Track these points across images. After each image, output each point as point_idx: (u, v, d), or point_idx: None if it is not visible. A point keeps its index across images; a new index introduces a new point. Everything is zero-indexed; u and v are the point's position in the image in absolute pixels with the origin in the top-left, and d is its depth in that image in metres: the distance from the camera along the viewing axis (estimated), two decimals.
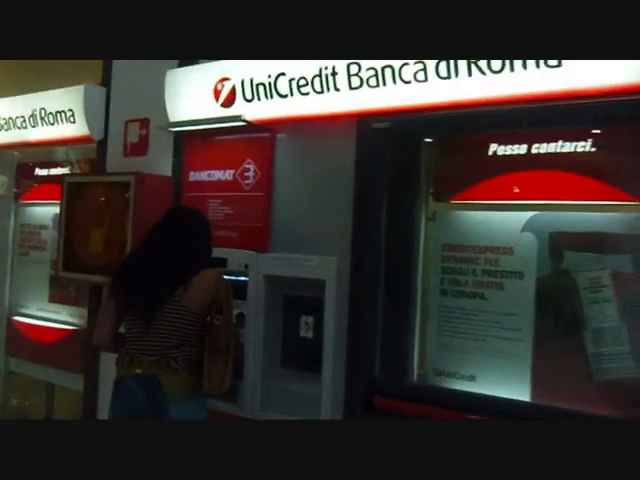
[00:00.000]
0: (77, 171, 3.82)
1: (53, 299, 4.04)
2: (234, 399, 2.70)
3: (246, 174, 2.74)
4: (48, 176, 4.08)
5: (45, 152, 4.10)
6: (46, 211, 4.04)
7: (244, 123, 2.59)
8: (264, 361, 2.65)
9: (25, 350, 4.09)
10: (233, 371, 2.29)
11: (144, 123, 3.09)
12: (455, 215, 2.32)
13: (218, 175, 2.84)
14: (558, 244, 2.04)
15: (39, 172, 4.19)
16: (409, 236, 2.37)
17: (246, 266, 2.66)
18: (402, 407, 2.23)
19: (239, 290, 2.64)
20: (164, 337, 2.22)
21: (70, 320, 3.89)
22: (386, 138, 2.31)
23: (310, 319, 2.60)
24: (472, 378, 2.24)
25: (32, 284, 4.18)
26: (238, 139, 2.77)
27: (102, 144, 3.33)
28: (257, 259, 2.64)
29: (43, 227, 4.14)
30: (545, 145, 2.02)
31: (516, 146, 2.08)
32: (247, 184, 2.74)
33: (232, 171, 2.79)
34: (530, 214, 2.10)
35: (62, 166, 4.03)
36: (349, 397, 2.38)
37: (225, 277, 2.45)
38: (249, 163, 2.73)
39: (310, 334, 2.61)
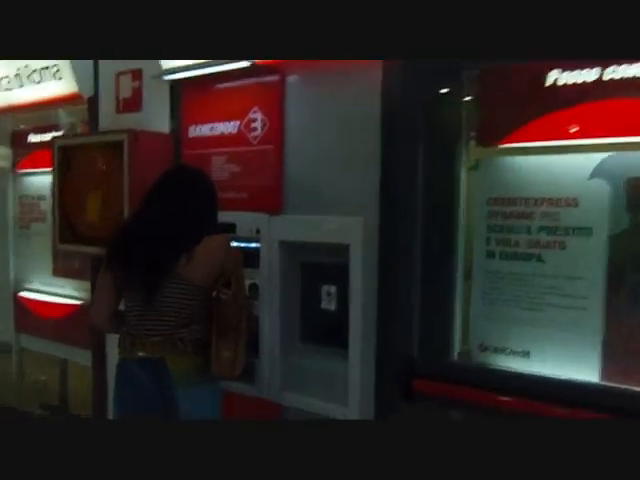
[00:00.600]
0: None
1: (57, 273, 3.79)
2: (250, 379, 2.41)
3: (253, 125, 2.37)
4: (42, 142, 3.72)
5: (40, 116, 3.78)
6: (44, 180, 3.69)
7: (249, 64, 2.20)
8: (282, 336, 2.34)
9: (33, 326, 3.90)
10: (246, 350, 1.99)
11: (136, 74, 2.73)
12: (503, 162, 1.93)
13: (221, 128, 2.48)
14: (638, 193, 1.66)
15: (32, 139, 3.88)
16: (448, 190, 2.00)
17: (257, 231, 2.33)
18: (443, 390, 1.91)
19: (251, 258, 2.32)
20: (168, 315, 1.92)
21: (76, 294, 3.66)
22: (418, 74, 1.93)
23: (332, 289, 2.27)
24: (525, 354, 1.89)
25: (35, 258, 3.94)
26: (242, 85, 2.40)
27: (93, 102, 2.98)
28: (269, 223, 2.30)
29: (41, 197, 3.85)
30: (622, 68, 1.62)
31: (583, 71, 1.68)
32: (254, 137, 2.38)
33: (237, 123, 2.42)
34: (601, 156, 1.71)
35: (57, 130, 3.70)
36: (380, 377, 2.06)
37: (234, 244, 2.13)
38: (255, 112, 2.36)
39: (333, 306, 2.28)
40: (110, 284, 1.99)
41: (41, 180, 3.78)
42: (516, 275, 1.90)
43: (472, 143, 1.97)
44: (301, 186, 2.28)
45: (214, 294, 1.94)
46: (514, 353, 1.92)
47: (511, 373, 1.89)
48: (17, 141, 4.03)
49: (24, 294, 4.00)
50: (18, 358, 4.17)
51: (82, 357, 3.42)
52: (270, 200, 2.33)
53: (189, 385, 1.91)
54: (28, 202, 4.00)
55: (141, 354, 1.93)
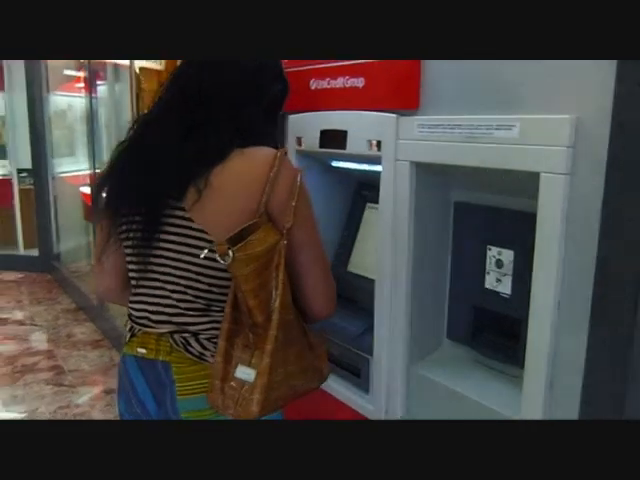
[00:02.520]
0: None
1: None
2: (363, 385, 1.51)
3: None
4: None
5: None
6: None
7: None
8: (415, 327, 1.37)
9: None
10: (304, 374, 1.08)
11: None
12: None
13: None
14: None
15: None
16: None
17: (378, 145, 1.34)
18: None
19: (370, 191, 1.36)
20: (177, 291, 1.08)
21: None
22: None
23: (507, 255, 1.23)
24: None
25: None
26: None
27: None
28: (398, 127, 1.29)
29: None
30: None
31: None
32: None
33: None
34: None
35: None
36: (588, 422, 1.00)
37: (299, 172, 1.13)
38: None
39: (505, 286, 1.24)
40: (110, 244, 1.15)
41: None
42: None
43: None
44: (454, 67, 1.20)
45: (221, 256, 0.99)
46: None
47: None
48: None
49: None
50: None
51: None
52: (399, 89, 1.30)
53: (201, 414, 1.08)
54: None
55: (141, 351, 1.13)
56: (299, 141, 1.60)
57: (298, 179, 1.05)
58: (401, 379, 1.38)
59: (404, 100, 1.28)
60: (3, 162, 5.76)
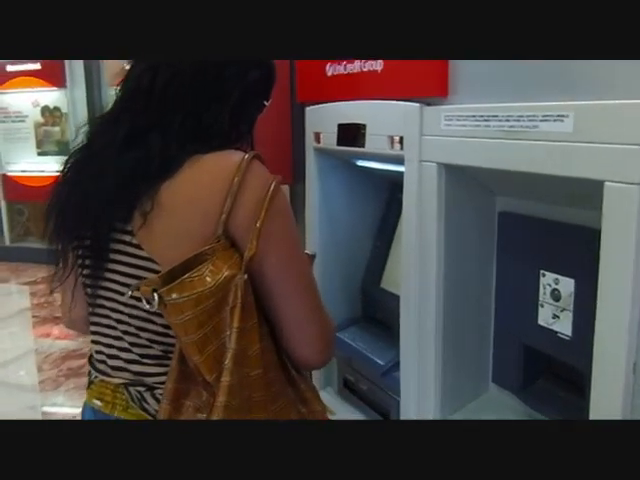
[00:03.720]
0: None
1: None
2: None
3: None
4: None
5: None
6: None
7: None
8: (450, 365, 1.10)
9: None
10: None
11: None
12: None
13: None
14: None
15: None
16: None
17: (400, 142, 1.07)
18: None
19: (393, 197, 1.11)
20: (129, 333, 0.86)
21: None
22: None
23: (566, 284, 0.94)
24: None
25: None
26: None
27: None
28: (423, 119, 1.01)
29: None
30: None
31: None
32: None
33: None
34: None
35: None
36: None
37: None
38: None
39: (564, 326, 0.95)
40: (69, 275, 0.95)
41: None
42: None
43: None
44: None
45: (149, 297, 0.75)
46: None
47: None
48: None
49: None
50: None
51: None
52: (424, 75, 1.02)
53: None
54: None
55: (97, 403, 0.93)
56: (317, 137, 1.36)
57: (269, 191, 0.80)
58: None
59: (430, 85, 1.00)
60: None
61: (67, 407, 3.21)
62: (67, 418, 3.03)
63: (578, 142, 0.72)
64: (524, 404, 1.04)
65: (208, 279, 0.75)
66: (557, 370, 0.99)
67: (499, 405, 1.09)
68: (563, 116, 0.74)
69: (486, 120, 0.86)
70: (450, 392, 1.10)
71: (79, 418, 1.00)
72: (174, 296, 0.73)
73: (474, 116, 0.89)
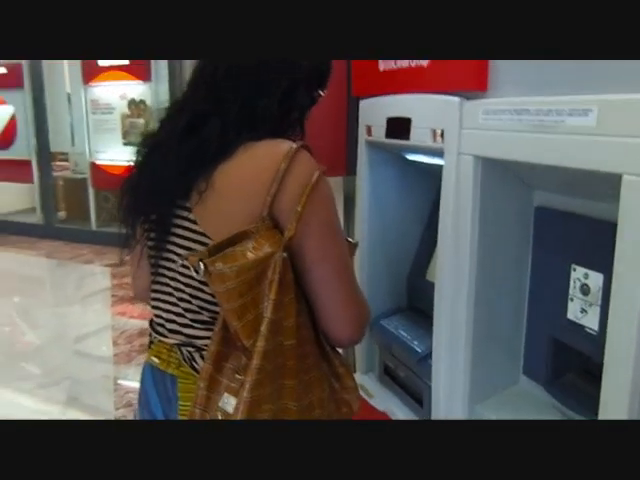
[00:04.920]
0: None
1: None
2: (425, 417, 1.30)
3: None
4: None
5: None
6: None
7: None
8: (481, 355, 1.13)
9: None
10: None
11: None
12: None
13: None
14: None
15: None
16: None
17: (442, 135, 1.11)
18: None
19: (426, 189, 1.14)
20: (183, 300, 0.96)
21: None
22: None
23: (595, 279, 0.95)
24: None
25: None
26: None
27: None
28: (461, 115, 1.05)
29: None
30: None
31: None
32: None
33: None
34: None
35: None
36: None
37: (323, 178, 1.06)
38: None
39: (592, 320, 0.96)
40: (138, 248, 1.06)
41: None
42: None
43: None
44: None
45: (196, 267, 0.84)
46: None
47: None
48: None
49: None
50: None
51: None
52: (464, 69, 1.05)
53: None
54: None
55: (155, 360, 1.04)
56: (369, 130, 1.41)
57: (312, 179, 0.87)
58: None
59: (470, 80, 1.03)
60: None
61: (136, 381, 3.42)
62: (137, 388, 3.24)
63: (601, 135, 0.74)
64: (552, 397, 1.06)
65: (250, 254, 0.83)
66: (586, 365, 1.00)
67: (527, 397, 1.11)
68: (588, 110, 0.76)
69: (519, 114, 0.89)
70: (480, 381, 1.13)
71: None
72: (218, 266, 0.81)
73: (508, 110, 0.92)
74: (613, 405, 0.77)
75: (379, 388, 1.52)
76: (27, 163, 6.72)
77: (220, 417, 0.86)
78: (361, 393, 1.40)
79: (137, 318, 4.57)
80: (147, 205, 0.98)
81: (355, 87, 1.49)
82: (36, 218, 6.99)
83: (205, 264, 0.81)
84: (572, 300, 0.98)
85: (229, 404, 0.85)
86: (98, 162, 6.27)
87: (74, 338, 4.23)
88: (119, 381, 3.60)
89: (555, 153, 0.82)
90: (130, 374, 3.58)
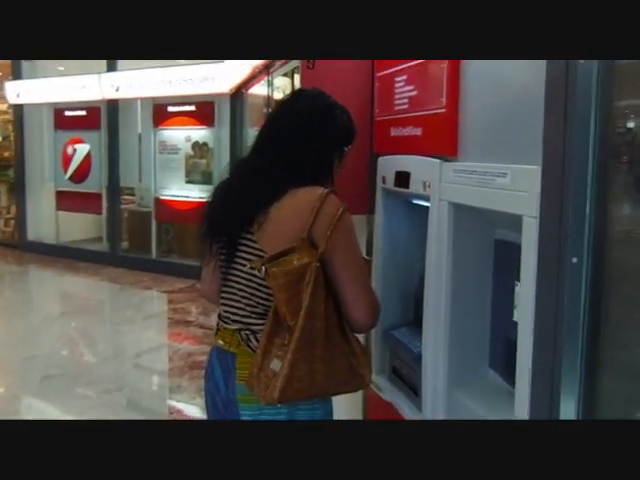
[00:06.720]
0: None
1: None
2: (419, 405, 1.66)
3: None
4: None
5: None
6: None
7: None
8: (455, 353, 1.50)
9: None
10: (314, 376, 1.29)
11: None
12: None
13: None
14: None
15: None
16: None
17: (429, 186, 1.51)
18: None
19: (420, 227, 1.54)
20: (245, 297, 1.40)
21: None
22: None
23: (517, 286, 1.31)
24: None
25: None
26: None
27: None
28: (441, 172, 1.45)
29: None
30: None
31: None
32: None
33: None
34: None
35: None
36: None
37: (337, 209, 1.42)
38: None
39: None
40: (210, 256, 1.51)
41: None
42: None
43: None
44: (486, 123, 1.34)
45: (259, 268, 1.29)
46: None
47: None
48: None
49: None
50: None
51: None
52: (441, 138, 1.47)
53: (253, 406, 1.36)
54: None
55: (220, 342, 1.47)
56: (384, 179, 1.82)
57: (338, 213, 1.30)
58: (442, 403, 1.51)
59: (447, 147, 1.44)
60: (209, 187, 6.83)
61: (187, 393, 3.86)
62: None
63: (512, 190, 1.14)
64: (507, 384, 1.41)
65: (295, 262, 1.26)
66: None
67: (490, 384, 1.47)
68: (505, 174, 1.16)
69: (471, 174, 1.29)
70: (456, 373, 1.50)
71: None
72: (274, 270, 1.24)
73: (466, 170, 1.32)
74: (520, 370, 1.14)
75: (388, 385, 1.89)
76: (98, 196, 7.42)
77: (268, 374, 1.27)
78: (373, 388, 1.80)
79: (190, 339, 5.03)
80: (221, 230, 1.43)
81: (375, 146, 1.92)
82: (102, 246, 7.64)
83: (266, 268, 1.24)
84: (516, 307, 1.35)
85: (277, 365, 1.27)
86: (162, 197, 6.86)
87: (134, 354, 4.72)
88: (172, 391, 4.05)
89: (489, 201, 1.21)
90: (182, 386, 4.01)
